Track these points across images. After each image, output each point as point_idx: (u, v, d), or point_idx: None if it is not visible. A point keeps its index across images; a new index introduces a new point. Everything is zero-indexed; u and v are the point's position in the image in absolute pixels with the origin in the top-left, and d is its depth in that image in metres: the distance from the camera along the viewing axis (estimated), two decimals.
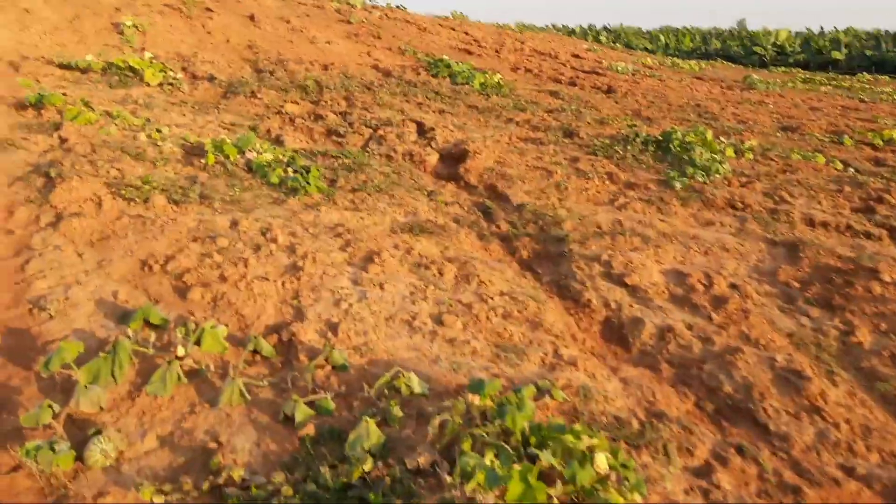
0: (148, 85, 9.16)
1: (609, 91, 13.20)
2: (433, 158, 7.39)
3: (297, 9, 17.57)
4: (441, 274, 4.59)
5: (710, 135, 8.31)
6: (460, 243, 5.29)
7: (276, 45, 13.47)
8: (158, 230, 4.78)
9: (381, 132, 8.07)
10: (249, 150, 6.36)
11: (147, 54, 9.61)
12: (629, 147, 8.18)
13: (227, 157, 6.24)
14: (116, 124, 7.03)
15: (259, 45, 13.17)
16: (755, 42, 40.68)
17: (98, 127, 6.96)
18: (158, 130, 7.08)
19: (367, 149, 7.66)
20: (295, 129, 8.19)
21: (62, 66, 9.54)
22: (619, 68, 16.51)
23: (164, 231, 4.76)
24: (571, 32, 48.29)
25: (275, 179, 5.90)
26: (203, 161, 6.22)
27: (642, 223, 5.90)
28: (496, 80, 11.67)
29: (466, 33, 19.01)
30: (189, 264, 4.35)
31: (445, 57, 12.58)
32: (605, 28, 51.71)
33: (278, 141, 7.54)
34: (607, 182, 7.02)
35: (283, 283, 4.24)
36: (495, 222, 5.88)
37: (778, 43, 39.82)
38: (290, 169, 6.04)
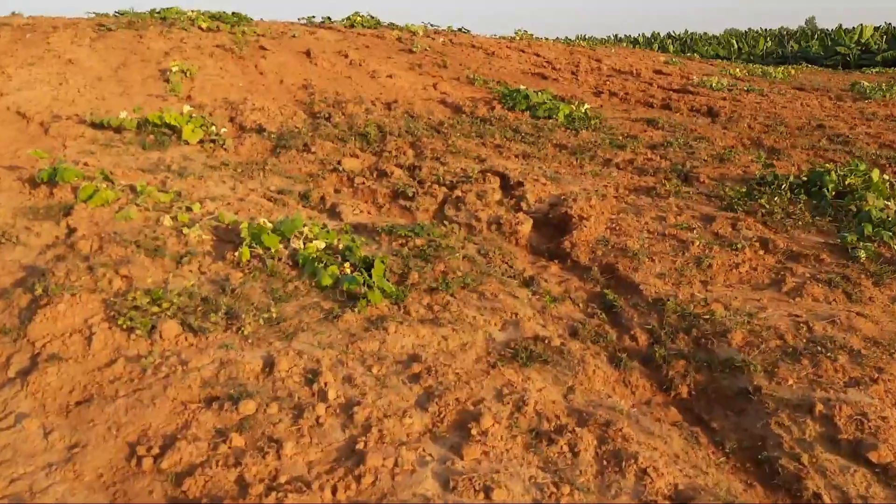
0: (187, 143, 7.88)
1: (711, 114, 11.33)
2: (526, 227, 5.79)
3: (356, 41, 16.33)
4: (575, 454, 2.95)
5: (876, 174, 6.43)
6: (588, 378, 3.64)
7: (333, 82, 12.16)
8: (160, 387, 3.30)
9: (457, 192, 6.53)
10: (295, 237, 4.89)
11: (186, 108, 8.35)
12: (773, 196, 6.38)
13: (267, 248, 4.78)
14: (138, 204, 5.70)
15: (315, 83, 11.88)
16: (837, 41, 37.64)
17: (115, 209, 5.64)
18: (188, 209, 5.72)
19: (443, 216, 6.12)
20: (354, 193, 6.73)
21: (94, 126, 8.38)
22: (713, 84, 14.57)
23: (167, 388, 3.29)
24: (635, 43, 46.09)
25: (327, 281, 4.39)
26: (237, 253, 4.79)
27: (836, 323, 4.13)
28: (583, 111, 10.00)
29: (537, 55, 17.39)
30: (194, 457, 2.86)
31: (522, 87, 10.99)
32: (669, 35, 49.28)
33: (333, 212, 6.07)
34: (761, 252, 5.26)
35: (332, 492, 2.69)
36: (628, 331, 4.21)
37: (862, 41, 36.75)
38: (346, 264, 4.53)
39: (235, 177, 6.88)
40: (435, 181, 6.85)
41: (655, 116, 10.72)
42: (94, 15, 17.94)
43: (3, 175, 6.61)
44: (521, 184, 6.70)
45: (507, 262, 5.15)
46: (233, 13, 17.36)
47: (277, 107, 10.04)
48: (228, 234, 5.32)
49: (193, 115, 8.13)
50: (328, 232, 5.00)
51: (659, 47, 43.00)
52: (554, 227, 5.89)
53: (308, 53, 13.96)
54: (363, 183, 6.96)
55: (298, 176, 7.14)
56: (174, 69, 11.26)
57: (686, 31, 51.17)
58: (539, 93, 11.03)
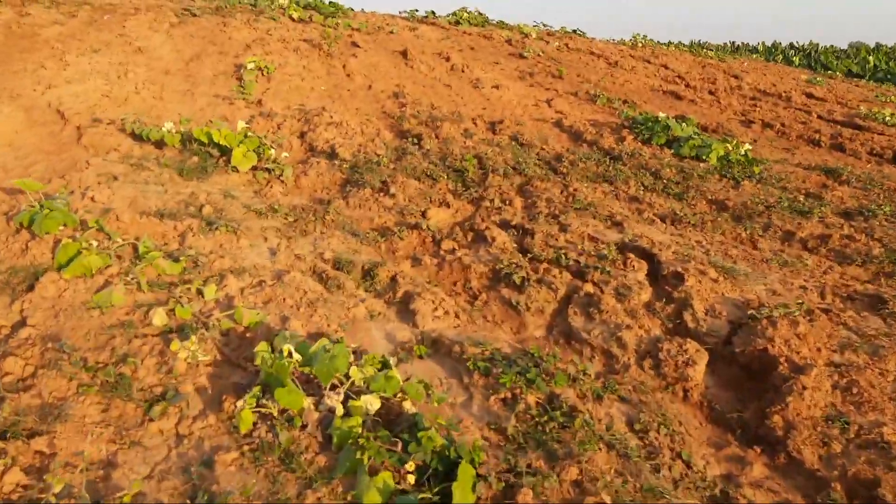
0: (235, 171, 6.12)
1: None
2: (699, 369, 3.65)
3: (460, 40, 14.36)
4: None
5: None
6: None
7: (429, 91, 10.23)
8: None
9: (587, 285, 4.44)
10: (335, 388, 2.97)
11: (240, 124, 6.56)
12: None
13: (285, 418, 2.87)
14: (130, 279, 3.92)
15: (408, 92, 9.99)
16: None
17: (97, 284, 3.89)
18: (199, 291, 3.89)
19: (567, 329, 4.06)
20: (439, 268, 4.75)
21: (134, 137, 6.76)
22: (886, 118, 11.79)
23: None
24: (754, 51, 42.05)
25: (374, 499, 2.45)
26: (236, 413, 2.90)
27: None
28: (742, 153, 7.67)
29: (665, 67, 14.93)
30: None
31: (660, 114, 8.72)
32: (792, 46, 44.83)
33: (406, 308, 4.10)
34: None
35: None
36: None
37: None
38: (410, 460, 2.57)
39: (283, 231, 5.02)
40: (553, 260, 4.79)
41: (831, 163, 8.23)
42: None
43: None
44: (679, 276, 4.56)
45: (676, 450, 3.06)
46: (330, 3, 15.71)
47: (359, 122, 8.19)
48: (242, 346, 3.46)
49: (249, 133, 6.34)
50: (388, 376, 3.03)
51: (783, 59, 39.03)
52: (742, 369, 3.75)
53: (405, 54, 12.07)
54: (453, 251, 4.97)
55: (367, 233, 5.22)
56: (249, 66, 9.59)
57: (811, 43, 46.44)
58: (681, 122, 8.73)
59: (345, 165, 6.56)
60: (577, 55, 14.44)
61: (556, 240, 5.14)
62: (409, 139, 7.66)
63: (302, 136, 7.55)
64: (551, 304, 4.31)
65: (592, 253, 4.90)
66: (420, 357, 3.57)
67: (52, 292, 3.75)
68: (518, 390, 3.24)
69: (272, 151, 6.27)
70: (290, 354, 3.04)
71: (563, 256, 4.80)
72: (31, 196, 4.61)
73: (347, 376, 3.01)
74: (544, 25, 18.02)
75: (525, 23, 17.63)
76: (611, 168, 7.21)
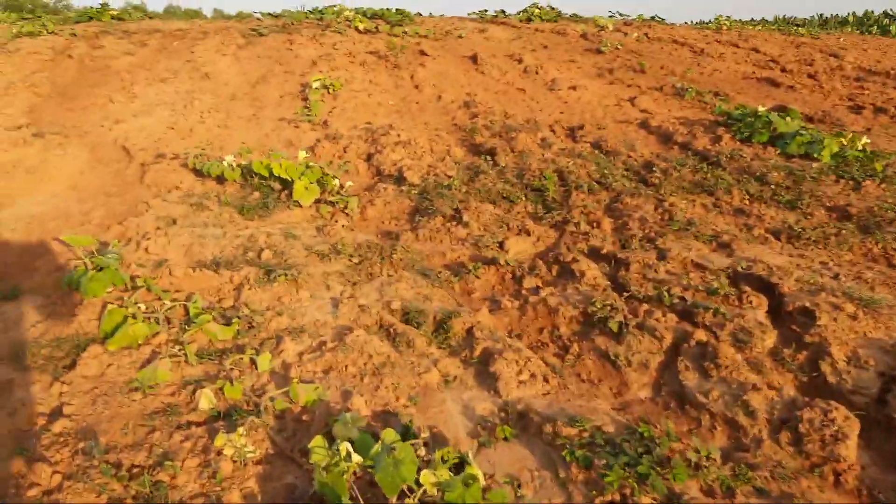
0: (297, 205, 5.70)
1: None
2: (850, 447, 2.92)
3: (531, 39, 13.67)
4: None
5: None
6: None
7: (501, 97, 9.63)
8: None
9: (697, 331, 3.75)
10: (403, 498, 2.45)
11: (301, 154, 6.14)
12: None
13: None
14: (178, 349, 3.52)
15: (479, 100, 9.42)
16: None
17: (140, 360, 3.50)
18: (252, 361, 3.46)
19: (678, 387, 3.40)
20: (521, 313, 4.15)
21: (196, 172, 6.47)
22: None
23: None
24: (844, 23, 39.29)
25: None
26: None
27: None
28: (860, 148, 6.72)
29: (756, 50, 13.77)
30: None
31: (760, 108, 7.81)
32: (886, 14, 41.64)
33: (484, 371, 3.53)
34: None
35: None
36: None
37: None
38: None
39: (347, 275, 4.54)
40: (654, 297, 4.12)
41: None
42: (259, 15, 16.74)
43: (41, 265, 4.75)
44: (808, 313, 3.81)
45: None
46: (396, 10, 15.33)
47: (428, 138, 7.68)
48: (298, 433, 2.98)
49: (311, 164, 5.91)
50: (467, 480, 2.47)
51: (879, 30, 36.21)
52: None
53: (474, 58, 11.52)
54: (537, 291, 4.37)
55: (439, 272, 4.67)
56: (315, 85, 9.26)
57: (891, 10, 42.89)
58: (783, 115, 7.79)
59: (413, 191, 6.05)
60: (658, 45, 13.49)
61: (656, 271, 4.46)
62: (482, 155, 7.08)
63: (369, 158, 7.10)
64: (656, 357, 3.65)
65: (700, 287, 4.20)
66: (505, 439, 2.99)
67: (94, 370, 3.38)
68: (628, 489, 2.62)
69: (336, 181, 5.82)
70: (348, 456, 2.53)
71: (665, 293, 4.12)
72: (82, 251, 4.30)
73: (418, 482, 2.47)
74: (620, 15, 17.07)
75: (600, 14, 16.75)
76: (709, 175, 6.42)
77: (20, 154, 6.82)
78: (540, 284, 4.49)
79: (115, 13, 14.91)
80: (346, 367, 3.44)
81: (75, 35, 12.42)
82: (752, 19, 26.40)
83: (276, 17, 15.74)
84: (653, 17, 18.00)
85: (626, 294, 4.24)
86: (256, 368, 3.40)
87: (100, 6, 15.17)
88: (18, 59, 10.32)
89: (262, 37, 12.84)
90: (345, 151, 7.24)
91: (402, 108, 9.16)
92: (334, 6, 17.29)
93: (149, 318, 3.71)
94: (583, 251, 4.90)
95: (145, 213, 5.58)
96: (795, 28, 22.03)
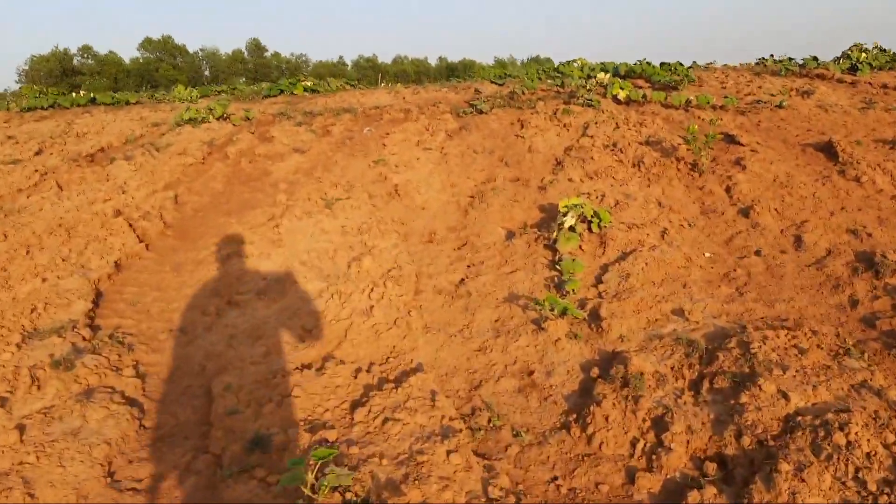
0: None
1: None
2: None
3: (887, 103, 8.49)
4: None
5: None
6: None
7: None
8: None
9: None
10: None
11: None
12: None
13: None
14: None
15: (879, 240, 4.69)
16: None
17: None
18: None
19: None
20: None
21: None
22: None
23: None
24: None
25: None
26: None
27: None
28: None
29: None
30: None
31: None
32: None
33: None
34: None
35: None
36: None
37: None
38: None
39: None
40: None
41: None
42: (478, 87, 13.21)
43: None
44: None
45: None
46: (663, 65, 10.88)
47: (820, 361, 3.12)
48: None
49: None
50: None
51: None
52: None
53: (828, 149, 6.75)
54: None
55: None
56: (566, 219, 5.16)
57: None
58: None
59: None
60: None
61: None
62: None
63: (659, 377, 2.74)
64: None
65: None
66: None
67: None
68: None
69: None
70: None
71: None
72: None
73: None
74: None
75: None
76: None
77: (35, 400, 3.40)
78: None
79: (309, 84, 12.08)
80: None
81: (248, 119, 9.51)
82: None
83: (500, 80, 11.99)
84: None
85: None
86: None
87: (292, 80, 12.45)
88: (158, 164, 7.39)
89: (482, 115, 9.06)
90: (640, 416, 2.97)
91: (731, 266, 4.69)
92: (574, 61, 13.20)
93: None
94: None
95: None
96: None
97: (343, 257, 5.08)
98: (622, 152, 7.00)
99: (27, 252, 5.16)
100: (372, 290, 4.46)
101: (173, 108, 11.03)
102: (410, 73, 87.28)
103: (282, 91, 11.92)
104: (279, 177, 7.11)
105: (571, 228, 5.15)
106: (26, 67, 50.95)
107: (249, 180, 7.16)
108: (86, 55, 59.21)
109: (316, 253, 5.13)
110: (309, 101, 10.96)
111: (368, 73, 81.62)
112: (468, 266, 5.07)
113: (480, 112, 9.11)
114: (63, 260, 5.02)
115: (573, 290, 4.45)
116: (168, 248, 5.64)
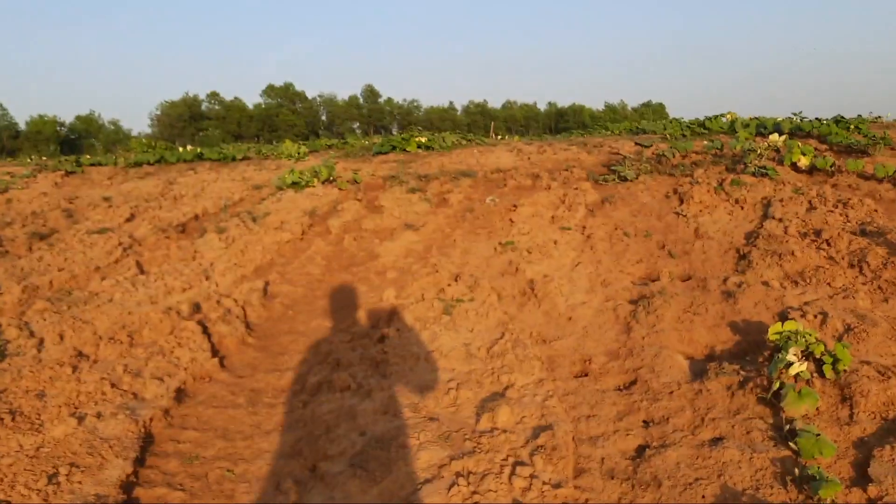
0: None
1: None
2: None
3: None
4: None
5: None
6: None
7: None
8: None
9: None
10: None
11: None
12: None
13: None
14: None
15: None
16: None
17: None
18: None
19: None
20: None
21: None
22: None
23: None
24: None
25: None
26: None
27: None
28: None
29: None
30: None
31: None
32: None
33: None
34: None
35: None
36: None
37: None
38: None
39: None
40: None
41: None
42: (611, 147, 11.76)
43: None
44: None
45: None
46: (853, 125, 9.02)
47: None
48: None
49: None
50: None
51: None
52: None
53: None
54: None
55: None
56: (793, 368, 3.49)
57: None
58: None
59: None
60: None
61: None
62: None
63: None
64: None
65: None
66: None
67: None
68: None
69: None
70: None
71: None
72: None
73: None
74: None
75: None
76: None
77: None
78: None
79: (423, 140, 10.94)
80: None
81: (356, 182, 8.41)
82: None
83: (640, 137, 10.42)
84: None
85: None
86: None
87: (405, 135, 11.37)
88: (251, 241, 6.32)
89: (625, 182, 7.52)
90: None
91: None
92: (722, 115, 11.45)
93: None
94: None
95: None
96: None
97: (468, 401, 3.66)
98: (830, 245, 5.26)
99: (74, 370, 4.06)
100: (513, 471, 3.00)
101: (279, 167, 10.15)
102: (519, 118, 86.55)
103: (394, 147, 10.85)
104: (387, 262, 5.84)
105: (797, 377, 3.51)
106: (158, 112, 53.64)
107: (352, 265, 5.93)
108: (212, 101, 62.15)
109: (432, 393, 3.73)
110: (423, 159, 9.79)
111: (477, 118, 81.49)
112: (645, 423, 3.51)
113: (624, 179, 7.58)
114: (113, 386, 3.87)
115: (832, 499, 2.81)
116: (247, 363, 4.42)
